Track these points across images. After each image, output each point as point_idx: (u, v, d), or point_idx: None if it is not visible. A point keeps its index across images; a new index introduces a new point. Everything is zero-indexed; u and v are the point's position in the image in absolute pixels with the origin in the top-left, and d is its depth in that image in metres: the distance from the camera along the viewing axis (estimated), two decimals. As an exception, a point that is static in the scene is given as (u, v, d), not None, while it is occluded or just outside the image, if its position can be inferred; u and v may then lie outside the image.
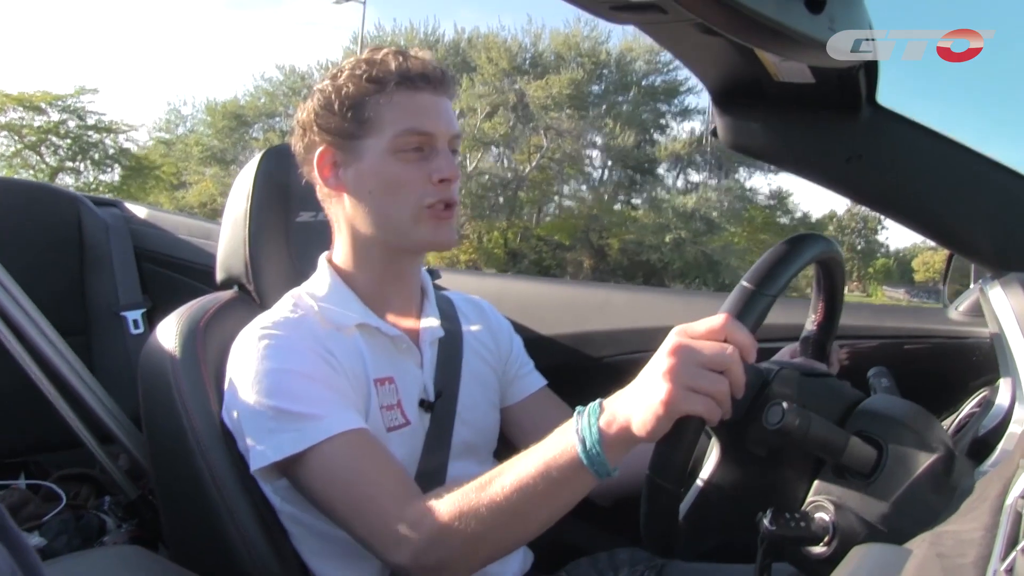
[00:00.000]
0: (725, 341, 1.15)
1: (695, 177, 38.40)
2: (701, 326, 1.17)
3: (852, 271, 79.66)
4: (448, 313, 1.87)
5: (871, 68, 1.47)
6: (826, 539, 1.15)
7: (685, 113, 38.24)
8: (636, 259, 34.97)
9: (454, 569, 1.39)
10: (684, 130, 38.53)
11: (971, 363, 1.81)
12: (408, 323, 1.73)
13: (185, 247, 3.13)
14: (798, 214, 43.13)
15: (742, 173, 38.30)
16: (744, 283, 1.20)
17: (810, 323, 1.66)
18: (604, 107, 35.64)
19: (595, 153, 37.86)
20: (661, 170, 38.33)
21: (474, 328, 1.91)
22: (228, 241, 1.94)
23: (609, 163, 37.90)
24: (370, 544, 1.43)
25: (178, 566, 1.59)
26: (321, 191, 1.68)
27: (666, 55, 34.53)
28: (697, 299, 2.51)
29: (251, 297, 1.91)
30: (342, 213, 1.66)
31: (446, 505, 1.35)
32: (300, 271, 1.87)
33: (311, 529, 1.61)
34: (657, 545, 1.26)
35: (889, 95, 1.57)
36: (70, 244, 2.98)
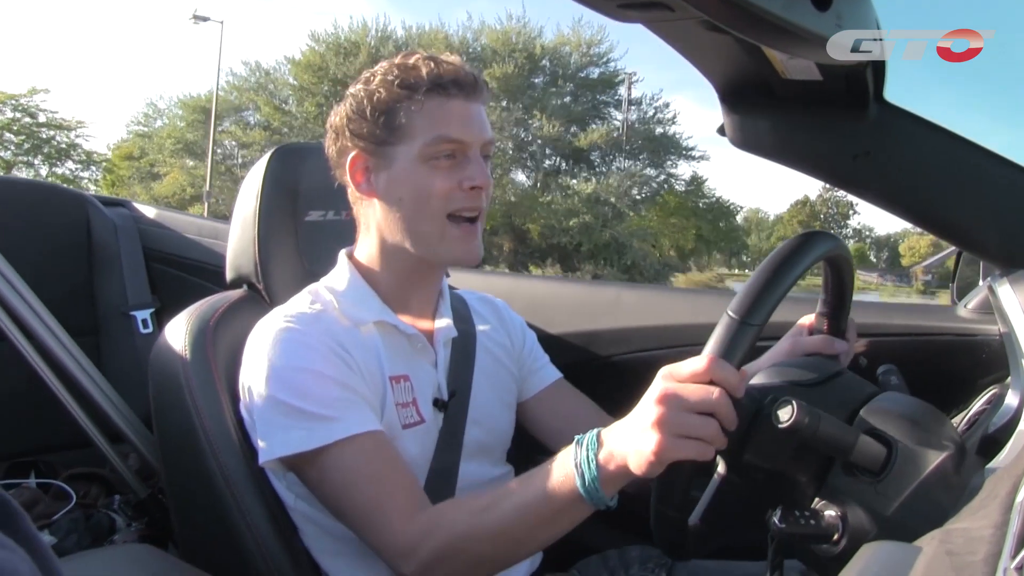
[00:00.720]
0: (711, 382, 1.15)
1: (624, 164, 40.48)
2: (685, 369, 1.17)
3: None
4: (462, 313, 1.88)
5: (879, 65, 1.46)
6: (836, 537, 1.15)
7: (620, 104, 40.73)
8: (551, 242, 37.17)
9: None
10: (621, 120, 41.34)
11: (980, 360, 1.80)
12: (423, 323, 1.73)
13: (194, 247, 3.13)
14: (712, 198, 48.34)
15: (670, 160, 41.22)
16: (729, 313, 1.19)
17: (822, 303, 1.65)
18: (533, 99, 37.81)
19: (529, 142, 39.54)
20: (595, 157, 40.36)
21: (488, 328, 1.91)
22: (238, 240, 1.94)
23: (547, 151, 39.80)
24: (376, 550, 1.46)
25: (188, 565, 1.59)
26: (352, 194, 1.68)
27: (600, 48, 37.86)
28: (705, 298, 2.50)
29: (261, 296, 1.92)
30: (372, 217, 1.66)
31: (451, 525, 1.38)
32: (310, 270, 1.88)
33: (323, 528, 1.62)
34: (668, 549, 1.27)
35: (897, 92, 1.56)
36: (79, 244, 2.99)
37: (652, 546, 1.89)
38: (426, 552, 1.38)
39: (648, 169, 40.16)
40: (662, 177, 41.26)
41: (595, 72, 38.85)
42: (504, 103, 35.99)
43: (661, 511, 1.21)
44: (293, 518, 1.64)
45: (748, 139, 1.70)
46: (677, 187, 43.15)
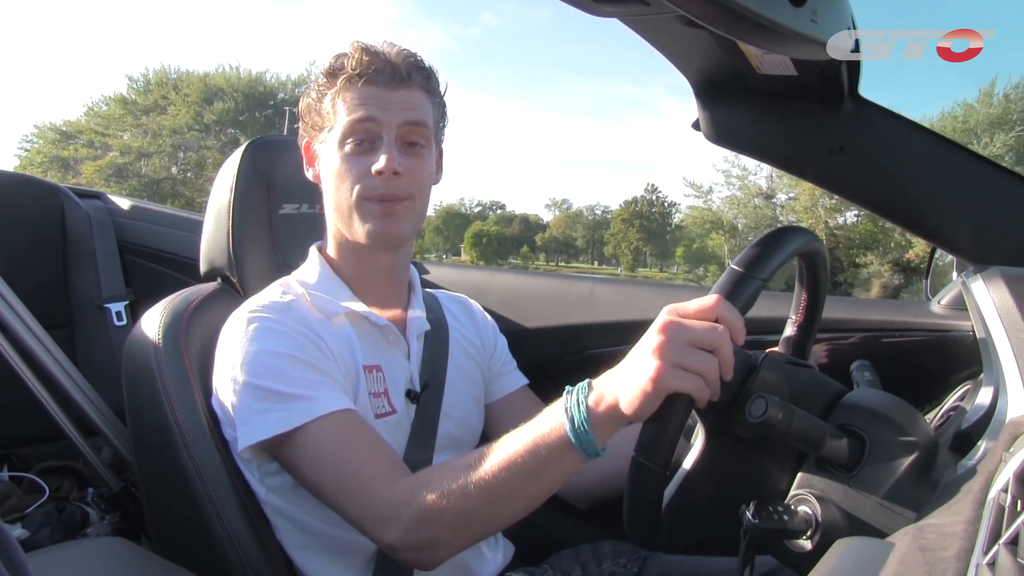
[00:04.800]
0: (715, 321, 1.15)
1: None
2: (692, 305, 1.16)
3: (647, 252, 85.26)
4: (435, 308, 1.88)
5: (854, 61, 1.46)
6: (809, 532, 1.15)
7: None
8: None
9: (442, 547, 1.39)
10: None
11: (954, 357, 1.81)
12: (395, 314, 1.74)
13: (168, 239, 3.12)
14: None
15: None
16: (735, 266, 1.20)
17: (791, 324, 1.65)
18: (242, 127, 54.56)
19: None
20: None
21: (460, 324, 1.92)
22: (211, 233, 1.94)
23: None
24: (359, 523, 1.43)
25: (161, 558, 1.58)
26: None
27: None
28: (682, 292, 2.51)
29: (234, 289, 1.91)
30: (326, 205, 1.67)
31: (435, 484, 1.34)
32: (283, 263, 1.88)
33: (296, 522, 1.61)
34: (640, 535, 1.26)
35: (871, 88, 1.57)
36: (53, 237, 2.97)
37: (625, 541, 1.89)
38: (409, 515, 1.35)
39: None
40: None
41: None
42: (200, 132, 53.36)
43: (642, 463, 1.18)
44: (266, 512, 1.63)
45: (723, 134, 1.71)
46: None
